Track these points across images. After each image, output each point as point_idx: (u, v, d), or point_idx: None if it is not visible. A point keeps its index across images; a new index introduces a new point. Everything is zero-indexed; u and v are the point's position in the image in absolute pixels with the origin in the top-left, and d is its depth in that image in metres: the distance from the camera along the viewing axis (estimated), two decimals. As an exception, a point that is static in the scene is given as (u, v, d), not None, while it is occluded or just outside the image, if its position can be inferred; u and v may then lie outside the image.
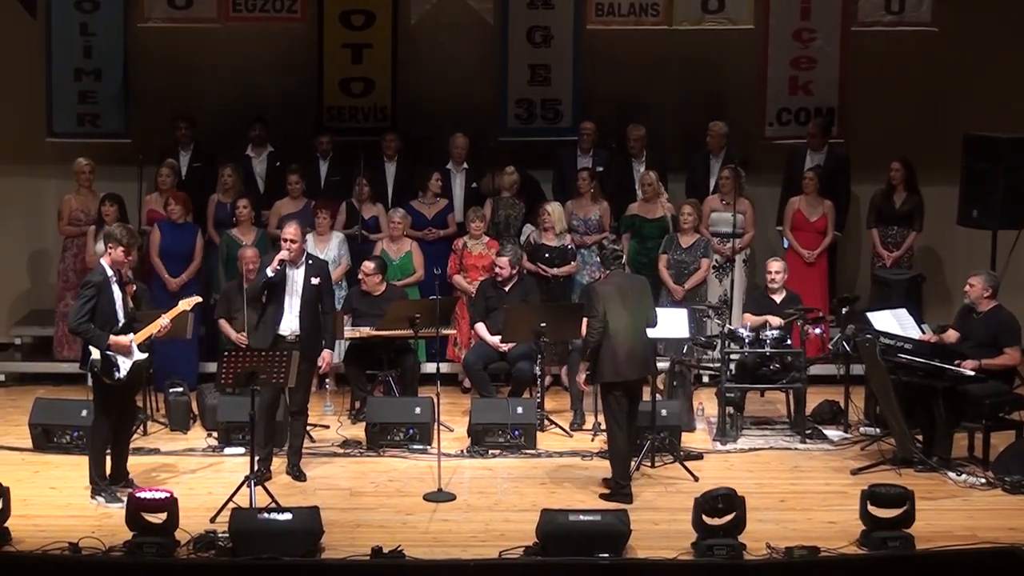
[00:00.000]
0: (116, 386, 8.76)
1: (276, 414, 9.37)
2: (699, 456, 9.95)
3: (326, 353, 9.28)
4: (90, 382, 8.93)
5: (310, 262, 9.28)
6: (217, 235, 12.13)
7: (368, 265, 11.25)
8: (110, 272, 8.77)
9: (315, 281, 9.22)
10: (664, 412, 9.94)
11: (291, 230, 9.13)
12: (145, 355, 8.88)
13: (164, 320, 8.94)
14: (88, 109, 12.73)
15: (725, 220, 12.07)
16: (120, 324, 8.78)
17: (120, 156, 12.58)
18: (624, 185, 12.62)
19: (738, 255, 12.05)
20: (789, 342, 10.58)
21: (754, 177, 12.73)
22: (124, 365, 8.74)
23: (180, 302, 9.21)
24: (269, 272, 9.12)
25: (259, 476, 8.90)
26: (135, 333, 8.82)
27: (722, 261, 12.12)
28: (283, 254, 9.07)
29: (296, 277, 9.23)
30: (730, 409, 10.50)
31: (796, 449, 10.25)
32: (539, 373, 10.69)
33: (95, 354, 8.71)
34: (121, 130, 12.75)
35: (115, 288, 8.79)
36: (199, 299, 9.36)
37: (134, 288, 8.98)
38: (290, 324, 9.16)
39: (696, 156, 12.67)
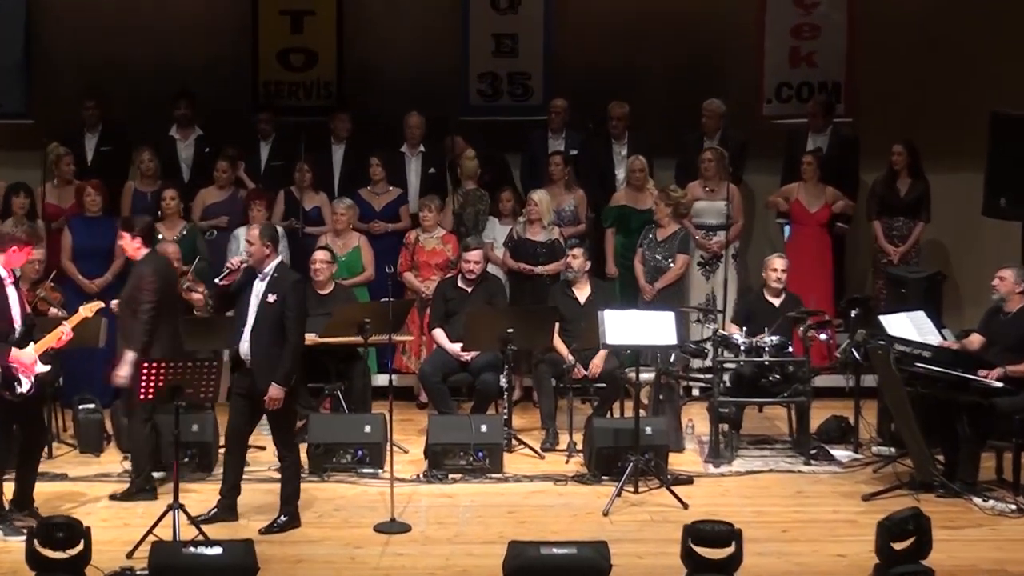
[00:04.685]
0: (18, 402, 8.63)
1: (249, 436, 9.21)
2: (689, 480, 9.94)
3: (271, 390, 8.73)
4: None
5: (275, 275, 8.84)
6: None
7: (322, 255, 11.18)
8: (4, 273, 8.67)
9: (271, 299, 8.81)
10: (648, 430, 9.92)
11: (252, 232, 8.92)
12: (47, 367, 8.78)
13: (65, 328, 8.85)
14: (-19, 85, 12.64)
15: (711, 210, 12.08)
16: (18, 333, 8.67)
17: (22, 139, 12.49)
18: (603, 171, 12.63)
19: (726, 250, 12.09)
20: (791, 349, 10.58)
21: (751, 162, 12.76)
22: (26, 380, 8.65)
23: (80, 307, 9.10)
24: (216, 280, 9.00)
25: (214, 515, 8.90)
26: (35, 342, 8.71)
27: (708, 257, 12.14)
28: (234, 260, 8.93)
29: (257, 289, 8.90)
30: (724, 426, 10.49)
31: (800, 472, 10.25)
32: (506, 386, 10.68)
33: (-8, 368, 8.62)
34: (22, 109, 12.66)
35: (10, 291, 8.69)
36: (101, 304, 9.25)
37: (51, 289, 8.87)
38: (245, 344, 8.89)
39: (688, 137, 12.69)
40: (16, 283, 8.79)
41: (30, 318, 8.87)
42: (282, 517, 8.97)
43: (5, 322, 8.63)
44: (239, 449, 9.11)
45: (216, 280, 8.93)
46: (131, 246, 9.42)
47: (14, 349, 8.58)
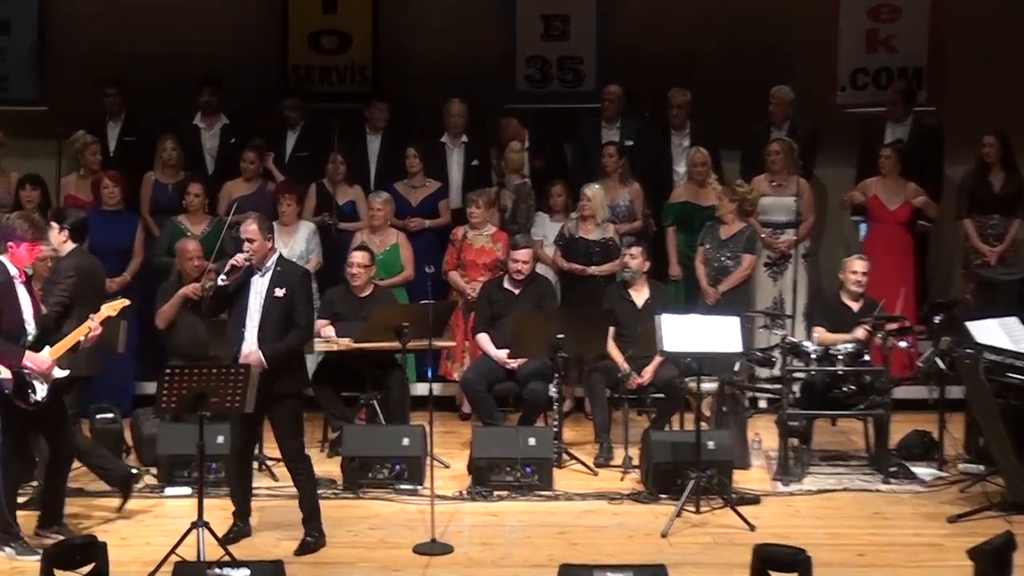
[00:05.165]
0: (33, 411, 8.68)
1: (253, 454, 9.23)
2: (755, 499, 9.91)
3: (254, 355, 8.71)
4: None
5: (279, 268, 8.91)
6: (155, 224, 12.15)
7: (361, 257, 11.21)
8: (14, 271, 8.72)
9: (279, 293, 8.86)
10: (711, 445, 9.89)
11: (249, 226, 8.93)
12: (65, 372, 8.82)
13: (93, 322, 8.88)
14: (-7, 69, 12.76)
15: (778, 206, 12.04)
16: (31, 335, 8.71)
17: (34, 127, 12.57)
18: (661, 163, 12.63)
19: (795, 249, 12.07)
20: (868, 358, 10.54)
21: (823, 155, 12.70)
22: (41, 387, 8.68)
23: (104, 306, 9.12)
24: (219, 280, 8.89)
25: (235, 532, 8.90)
26: (51, 346, 8.75)
27: (776, 257, 12.11)
28: (238, 257, 8.89)
29: (259, 286, 8.93)
30: (794, 441, 10.47)
31: (878, 491, 10.20)
32: (556, 396, 10.68)
33: (4, 372, 8.65)
34: (35, 95, 12.76)
35: (21, 291, 8.73)
36: (126, 302, 9.26)
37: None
38: (249, 345, 8.88)
39: (755, 127, 12.67)
40: (28, 282, 8.83)
41: (46, 319, 8.90)
42: (310, 537, 8.97)
43: (16, 324, 8.67)
44: (245, 468, 9.11)
45: (220, 279, 8.86)
46: (58, 239, 9.48)
47: (28, 352, 8.63)
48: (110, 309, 9.05)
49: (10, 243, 8.72)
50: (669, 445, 9.98)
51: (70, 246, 9.52)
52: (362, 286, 11.18)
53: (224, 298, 8.93)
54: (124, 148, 12.58)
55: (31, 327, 8.73)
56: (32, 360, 8.61)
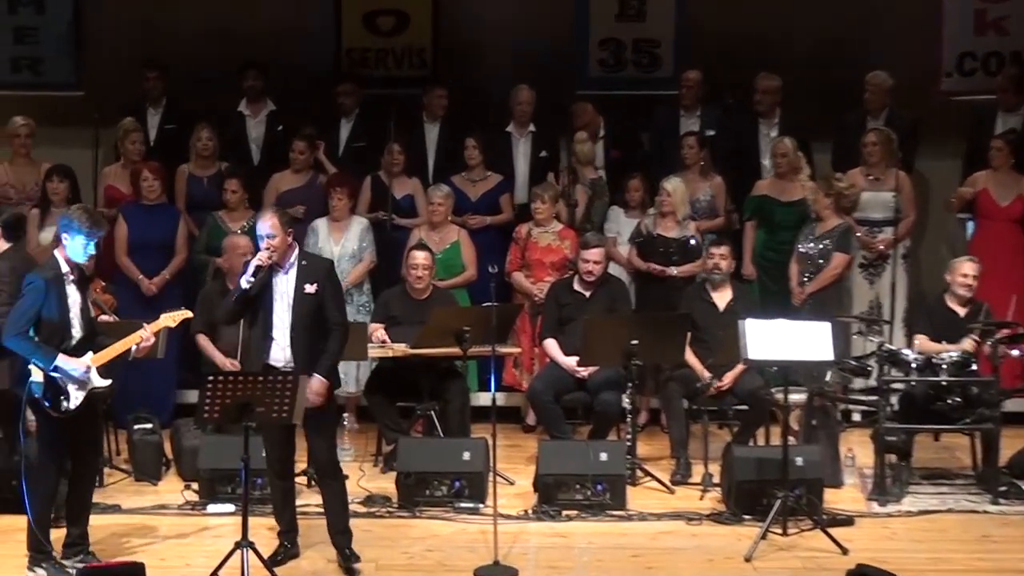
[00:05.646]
0: (65, 419, 8.72)
1: (293, 467, 9.24)
2: (848, 521, 9.86)
3: (313, 382, 8.75)
4: (29, 414, 8.90)
5: (303, 262, 8.93)
6: (192, 220, 12.21)
7: (424, 257, 11.21)
8: (65, 268, 8.76)
9: (310, 289, 8.86)
10: (799, 461, 9.86)
11: (267, 223, 8.87)
12: (107, 382, 8.83)
13: (145, 332, 8.89)
14: (26, 51, 12.88)
15: (875, 202, 11.95)
16: (75, 339, 8.75)
17: (69, 114, 12.67)
18: (746, 154, 12.60)
19: (894, 249, 12.00)
20: (975, 367, 10.47)
21: (925, 146, 12.63)
22: (76, 394, 8.71)
23: (163, 316, 9.15)
24: (243, 283, 8.86)
25: (283, 553, 8.94)
26: (95, 352, 8.79)
27: (872, 257, 12.04)
28: (260, 257, 8.90)
29: (283, 286, 8.93)
30: (892, 457, 10.40)
31: (986, 512, 10.13)
32: (629, 407, 10.65)
33: (36, 375, 8.69)
34: (70, 79, 12.86)
35: (71, 290, 8.77)
36: (188, 313, 9.30)
37: (103, 290, 8.94)
38: (281, 351, 8.91)
39: (849, 117, 12.62)
40: (80, 282, 8.86)
41: (93, 324, 8.92)
42: (356, 561, 8.98)
43: (59, 324, 8.70)
44: (287, 482, 9.11)
45: (245, 283, 8.81)
46: None
47: (62, 355, 8.68)
48: (169, 319, 9.08)
49: (65, 235, 8.77)
50: (753, 461, 9.95)
51: (3, 246, 9.58)
52: (423, 288, 11.20)
53: (246, 303, 8.93)
54: (164, 137, 12.64)
55: (76, 329, 8.74)
56: (66, 363, 8.64)
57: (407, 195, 12.38)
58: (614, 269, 11.84)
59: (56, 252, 8.83)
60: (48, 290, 8.64)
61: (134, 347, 8.85)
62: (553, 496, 10.06)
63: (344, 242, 11.87)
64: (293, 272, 8.87)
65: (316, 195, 12.17)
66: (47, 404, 8.66)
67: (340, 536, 9.01)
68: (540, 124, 12.71)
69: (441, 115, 12.78)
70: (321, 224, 11.92)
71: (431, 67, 13.16)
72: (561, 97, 12.74)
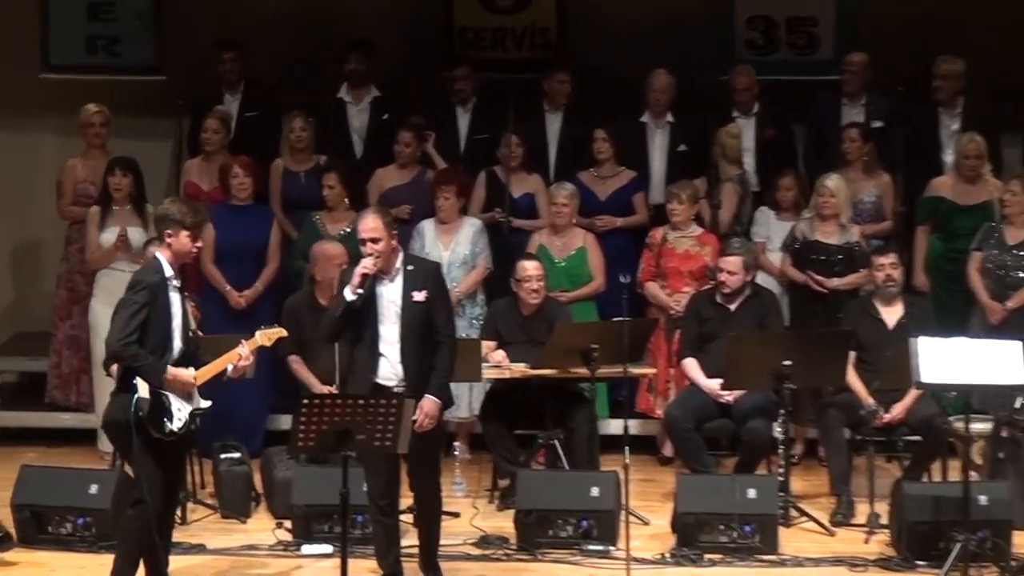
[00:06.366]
0: (166, 444, 8.74)
1: (398, 502, 9.26)
2: (1040, 570, 9.78)
3: (425, 403, 8.89)
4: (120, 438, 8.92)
5: (410, 267, 9.03)
6: (290, 222, 12.26)
7: (534, 265, 11.22)
8: (169, 271, 8.79)
9: (419, 297, 8.93)
10: (983, 500, 9.72)
11: (369, 223, 8.92)
12: (208, 403, 8.89)
13: (244, 349, 8.93)
14: (102, 30, 13.02)
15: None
16: (176, 352, 8.79)
17: (150, 101, 12.79)
18: (923, 149, 12.50)
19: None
20: None
21: None
22: (180, 413, 8.75)
23: (258, 333, 9.20)
24: (348, 295, 8.91)
25: None
26: (196, 368, 8.82)
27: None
28: (365, 265, 8.91)
29: (391, 294, 9.00)
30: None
31: None
32: (782, 437, 10.60)
33: (142, 390, 8.72)
34: (152, 62, 12.94)
35: (174, 297, 8.79)
36: (283, 332, 9.35)
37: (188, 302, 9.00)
38: (392, 367, 8.98)
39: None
40: (183, 289, 8.91)
41: (195, 337, 8.97)
42: None
43: (162, 337, 8.73)
44: (390, 518, 9.11)
45: (351, 294, 8.85)
46: None
47: (171, 368, 8.71)
48: (264, 338, 9.15)
49: (168, 231, 8.79)
50: (928, 500, 9.84)
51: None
52: (536, 303, 11.20)
53: (351, 317, 8.97)
54: (244, 126, 12.70)
55: (178, 343, 8.79)
56: (176, 377, 8.69)
57: (526, 194, 12.40)
58: (763, 280, 11.74)
59: (158, 253, 8.85)
60: (155, 296, 8.67)
61: (230, 367, 8.91)
62: (694, 538, 10.01)
63: (454, 246, 11.91)
64: (399, 279, 8.95)
65: (422, 193, 12.21)
66: (152, 423, 8.67)
67: (435, 565, 9.13)
68: (679, 113, 12.68)
69: (565, 103, 12.81)
70: (428, 226, 11.94)
71: (554, 48, 13.21)
72: (704, 83, 12.73)
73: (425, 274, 9.01)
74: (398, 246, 9.02)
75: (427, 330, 8.94)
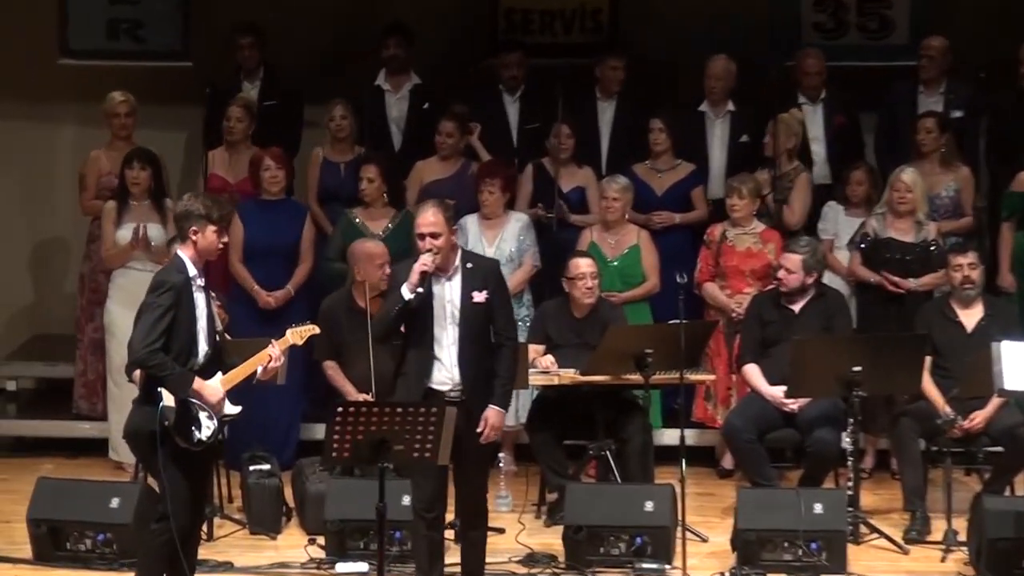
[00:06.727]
0: (193, 454, 8.73)
1: (444, 517, 9.23)
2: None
3: (490, 413, 8.95)
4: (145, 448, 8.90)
5: (468, 265, 9.04)
6: (327, 217, 12.27)
7: (588, 263, 11.19)
8: (193, 270, 8.77)
9: (479, 297, 8.95)
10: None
11: (428, 217, 8.93)
12: (238, 410, 8.88)
13: (274, 350, 8.92)
14: (125, 13, 13.09)
15: None
16: (202, 356, 8.77)
17: (176, 89, 12.82)
18: (1005, 140, 12.46)
19: None
20: None
21: None
22: (208, 422, 8.74)
23: (288, 331, 9.21)
24: (406, 293, 8.90)
25: None
26: (224, 372, 8.81)
27: None
28: (424, 261, 8.89)
29: (448, 294, 9.01)
30: None
31: None
32: (851, 448, 10.53)
33: (168, 399, 8.71)
34: (176, 46, 12.99)
35: (199, 297, 8.78)
36: (315, 329, 9.36)
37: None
38: (448, 371, 8.99)
39: None
40: (208, 289, 8.89)
41: (219, 339, 8.95)
42: None
43: (187, 341, 8.71)
44: (435, 534, 9.09)
45: (408, 292, 8.84)
46: None
47: (198, 378, 8.70)
48: (295, 336, 9.18)
49: (193, 228, 8.77)
50: (1010, 515, 9.77)
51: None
52: (589, 303, 11.18)
53: (407, 317, 8.97)
54: (263, 115, 12.66)
55: (203, 347, 8.77)
56: (203, 389, 8.68)
57: (576, 187, 12.39)
58: (830, 279, 11.70)
59: (180, 251, 8.83)
60: (179, 298, 8.66)
61: (259, 369, 8.90)
62: (755, 556, 9.98)
63: (499, 243, 11.91)
64: (458, 278, 8.97)
65: (464, 187, 12.20)
66: (179, 433, 8.66)
67: None
68: (740, 102, 12.65)
69: (618, 91, 12.81)
70: (471, 221, 11.93)
71: (607, 32, 13.22)
72: (767, 69, 12.70)
73: (485, 273, 9.02)
74: (457, 243, 9.07)
75: (485, 333, 8.98)
